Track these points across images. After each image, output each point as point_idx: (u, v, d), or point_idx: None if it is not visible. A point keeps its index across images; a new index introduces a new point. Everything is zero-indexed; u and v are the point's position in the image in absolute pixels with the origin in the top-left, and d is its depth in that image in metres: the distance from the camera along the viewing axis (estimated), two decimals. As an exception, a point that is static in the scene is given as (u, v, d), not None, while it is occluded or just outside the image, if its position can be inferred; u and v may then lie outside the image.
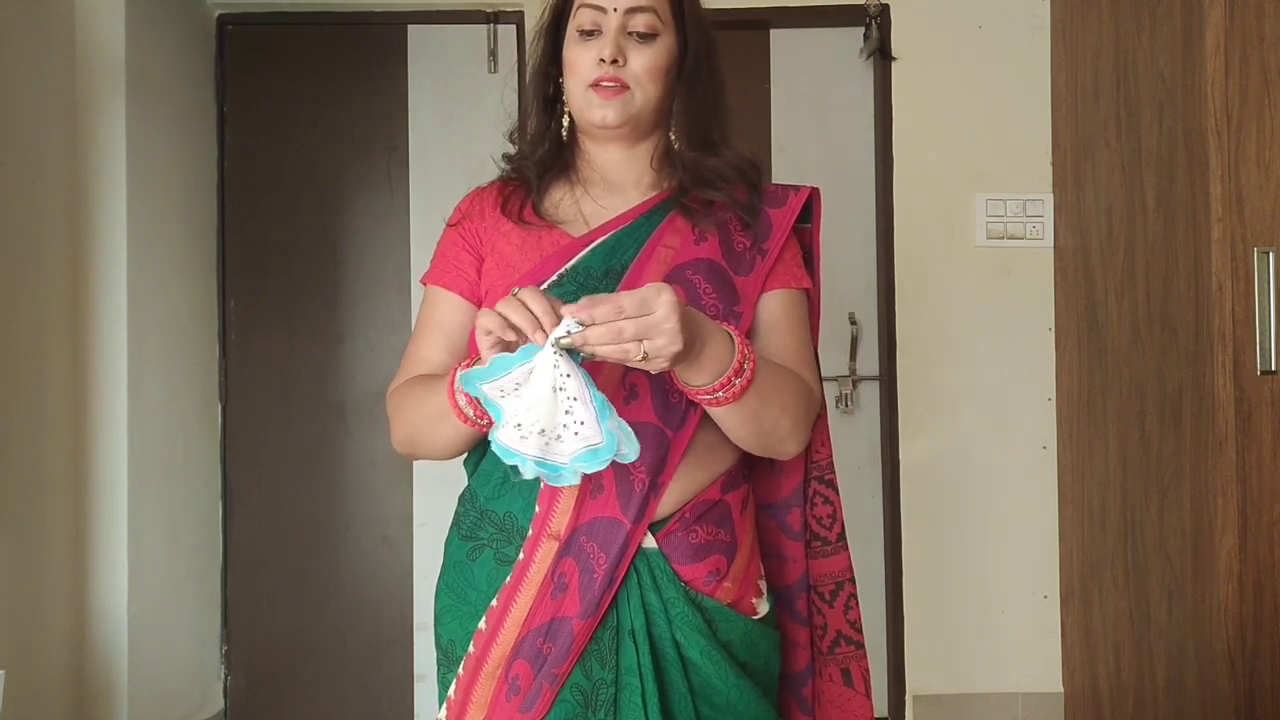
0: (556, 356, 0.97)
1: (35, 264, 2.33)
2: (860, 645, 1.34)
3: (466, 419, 1.11)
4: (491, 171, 1.36)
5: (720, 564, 1.19)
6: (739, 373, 1.07)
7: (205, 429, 2.94)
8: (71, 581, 2.44)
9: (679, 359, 1.01)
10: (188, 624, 2.83)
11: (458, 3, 3.02)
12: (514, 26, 3.03)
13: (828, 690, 1.33)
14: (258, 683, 2.99)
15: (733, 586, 1.20)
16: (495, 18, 3.03)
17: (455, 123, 3.03)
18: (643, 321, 0.97)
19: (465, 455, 1.27)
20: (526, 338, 0.98)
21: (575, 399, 0.98)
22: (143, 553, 2.56)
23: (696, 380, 1.07)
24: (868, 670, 1.34)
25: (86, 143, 2.49)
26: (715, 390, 1.07)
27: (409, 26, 3.05)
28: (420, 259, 3.01)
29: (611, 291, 1.13)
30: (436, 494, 3.00)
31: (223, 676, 2.99)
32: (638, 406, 1.16)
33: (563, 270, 1.19)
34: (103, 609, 2.48)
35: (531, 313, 0.97)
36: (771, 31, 3.04)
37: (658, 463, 1.15)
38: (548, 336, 0.97)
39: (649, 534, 1.16)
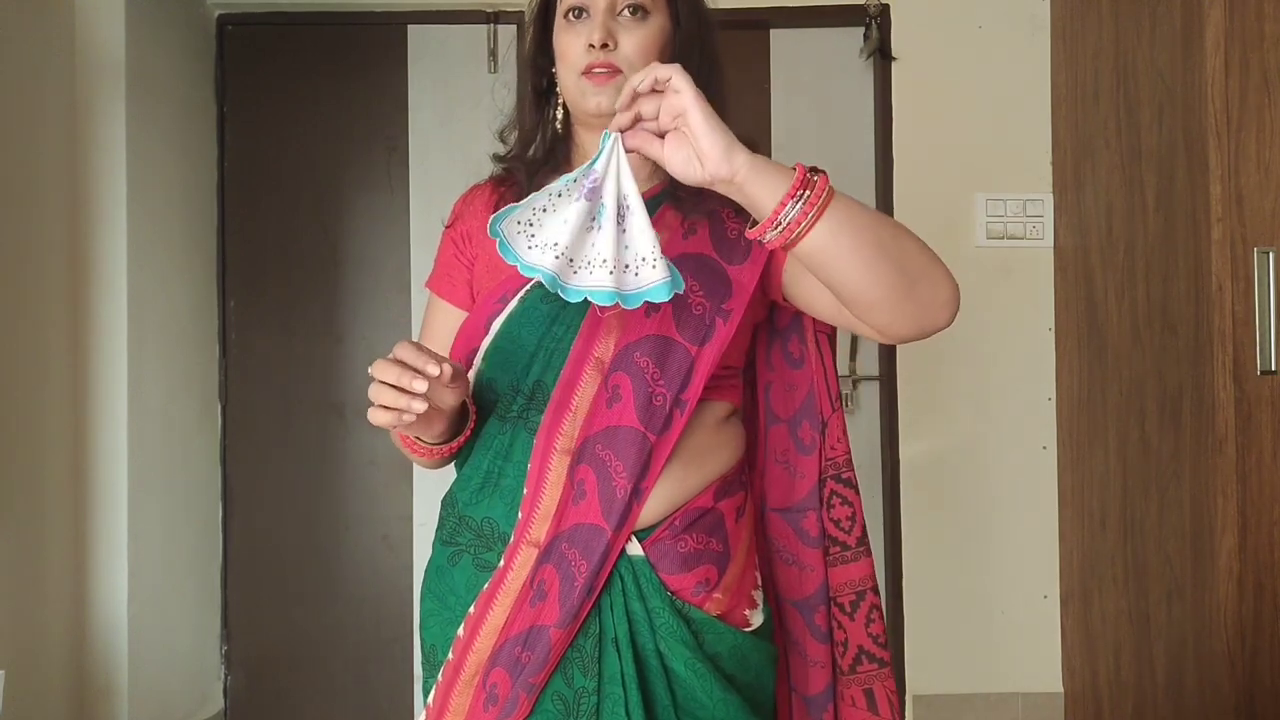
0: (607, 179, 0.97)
1: (35, 264, 2.33)
2: (885, 663, 1.25)
3: (419, 451, 1.17)
4: (492, 171, 1.35)
5: (710, 574, 1.14)
6: (805, 179, 0.96)
7: (205, 429, 2.94)
8: (71, 581, 2.44)
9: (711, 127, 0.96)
10: (188, 624, 2.83)
11: (458, 3, 3.02)
12: (514, 26, 3.02)
13: (850, 716, 1.25)
14: (258, 683, 2.99)
15: (723, 597, 1.15)
16: (495, 18, 3.03)
17: (455, 123, 3.03)
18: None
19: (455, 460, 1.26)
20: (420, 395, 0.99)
21: (618, 234, 0.98)
22: (143, 553, 2.56)
23: (767, 192, 0.96)
24: (894, 691, 1.25)
25: (86, 143, 2.49)
26: (794, 196, 0.95)
27: (409, 26, 3.05)
28: (420, 259, 3.01)
29: None
30: (436, 494, 2.98)
31: (223, 676, 2.99)
32: (620, 410, 1.12)
33: None
34: (103, 609, 2.48)
35: (406, 364, 0.99)
36: (771, 31, 3.04)
37: (640, 468, 1.11)
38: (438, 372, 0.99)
39: (636, 541, 1.13)
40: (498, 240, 0.98)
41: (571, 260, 0.98)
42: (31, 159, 2.32)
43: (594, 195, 0.98)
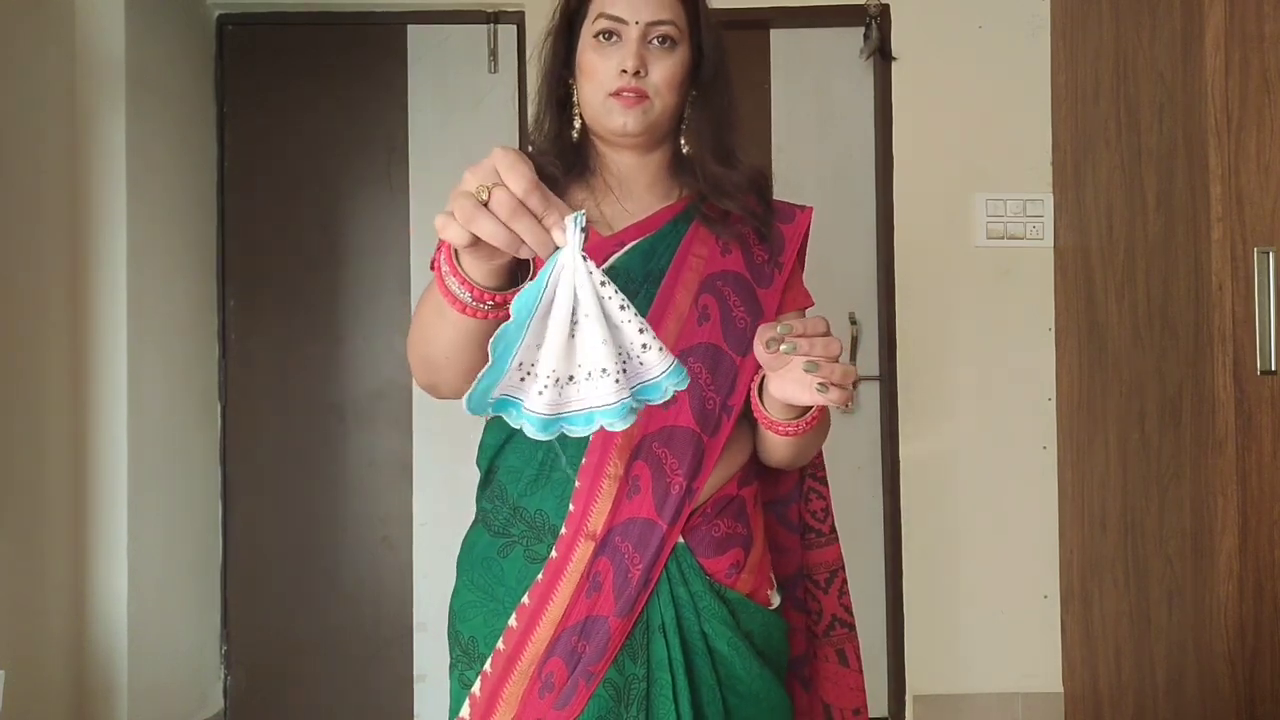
0: (588, 263, 0.78)
1: (35, 264, 2.33)
2: (852, 627, 1.39)
3: (461, 304, 0.91)
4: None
5: (739, 556, 1.22)
6: (813, 422, 1.13)
7: (205, 429, 2.94)
8: (71, 581, 2.44)
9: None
10: (188, 624, 2.83)
11: (458, 3, 3.02)
12: (514, 26, 3.03)
13: (824, 669, 1.38)
14: (258, 683, 2.99)
15: (750, 578, 1.23)
16: (495, 18, 3.03)
17: (455, 123, 3.03)
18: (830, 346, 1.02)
19: (478, 454, 1.27)
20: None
21: (633, 315, 0.81)
22: (143, 553, 2.56)
23: (788, 414, 1.12)
24: (859, 648, 1.40)
25: (86, 142, 2.49)
26: (799, 424, 1.13)
27: (409, 26, 3.05)
28: (420, 259, 3.01)
29: (652, 297, 1.18)
30: (436, 494, 3.00)
31: (222, 676, 2.99)
32: (676, 412, 1.18)
33: (603, 270, 1.18)
34: (103, 609, 2.48)
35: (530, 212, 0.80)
36: (771, 31, 3.04)
37: (694, 467, 1.18)
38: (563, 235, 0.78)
39: None
40: (492, 408, 0.81)
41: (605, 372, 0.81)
42: (31, 159, 2.32)
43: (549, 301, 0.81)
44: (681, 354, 1.18)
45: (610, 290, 0.81)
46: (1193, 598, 2.15)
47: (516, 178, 0.80)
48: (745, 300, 1.23)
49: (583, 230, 0.79)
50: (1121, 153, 2.48)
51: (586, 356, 0.81)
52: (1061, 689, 2.87)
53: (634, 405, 0.84)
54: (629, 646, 1.15)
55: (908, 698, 2.88)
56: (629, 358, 0.83)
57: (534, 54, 1.32)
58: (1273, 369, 2.00)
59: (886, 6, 2.94)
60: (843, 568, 1.40)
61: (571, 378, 0.81)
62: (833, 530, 1.40)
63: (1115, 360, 2.52)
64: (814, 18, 2.99)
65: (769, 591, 1.27)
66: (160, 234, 2.70)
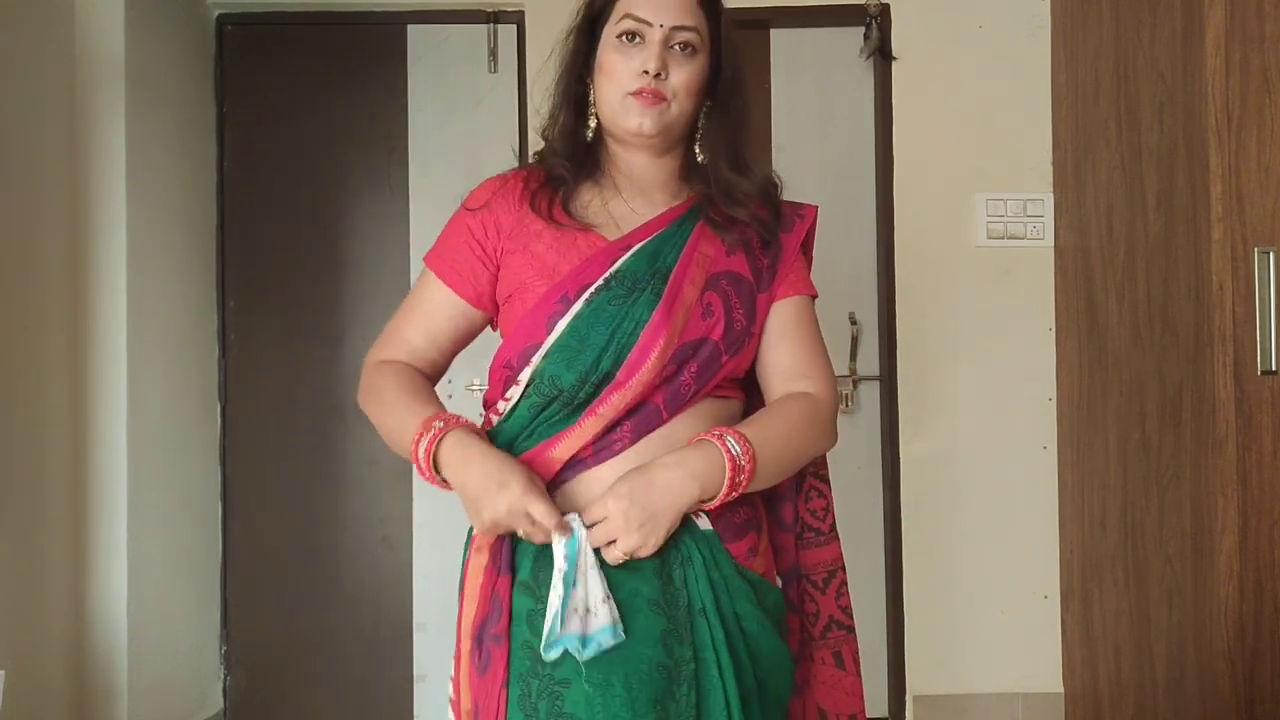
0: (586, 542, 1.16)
1: (35, 264, 2.33)
2: (850, 629, 1.39)
3: (426, 477, 1.21)
4: (493, 170, 1.36)
5: (754, 541, 1.27)
6: (738, 470, 1.17)
7: (205, 429, 2.94)
8: (71, 581, 2.44)
9: (660, 522, 1.16)
10: (188, 624, 2.83)
11: (458, 3, 3.02)
12: (514, 26, 3.03)
13: (820, 673, 1.38)
14: (257, 683, 2.99)
15: (762, 560, 1.28)
16: (495, 18, 3.03)
17: (455, 123, 3.03)
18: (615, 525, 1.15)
19: None
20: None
21: (601, 575, 1.16)
22: (143, 553, 2.56)
23: (709, 502, 1.18)
24: (857, 652, 1.40)
25: (86, 143, 2.49)
26: (727, 495, 1.17)
27: (409, 26, 3.05)
28: (420, 259, 3.00)
29: (660, 292, 1.22)
30: (436, 494, 2.97)
31: (222, 676, 2.98)
32: (654, 395, 1.23)
33: (608, 274, 1.23)
34: (103, 609, 2.48)
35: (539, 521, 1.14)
36: (771, 31, 3.04)
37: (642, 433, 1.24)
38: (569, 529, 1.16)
39: (704, 516, 1.22)
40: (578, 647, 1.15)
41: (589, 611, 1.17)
42: (31, 159, 2.32)
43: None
44: (685, 345, 1.22)
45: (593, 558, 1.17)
46: (1193, 597, 2.15)
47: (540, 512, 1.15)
48: (745, 303, 1.27)
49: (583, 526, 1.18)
50: (1121, 152, 2.48)
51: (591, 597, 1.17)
52: (1061, 689, 2.87)
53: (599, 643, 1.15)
54: (675, 631, 1.18)
55: (908, 698, 2.88)
56: (595, 604, 1.16)
57: (553, 50, 1.33)
58: (1273, 369, 2.00)
59: (886, 6, 2.94)
60: (842, 568, 1.40)
61: (589, 610, 1.16)
62: (833, 529, 1.40)
63: (1115, 360, 2.52)
64: (814, 18, 2.99)
65: (775, 574, 1.33)
66: (160, 234, 2.70)
